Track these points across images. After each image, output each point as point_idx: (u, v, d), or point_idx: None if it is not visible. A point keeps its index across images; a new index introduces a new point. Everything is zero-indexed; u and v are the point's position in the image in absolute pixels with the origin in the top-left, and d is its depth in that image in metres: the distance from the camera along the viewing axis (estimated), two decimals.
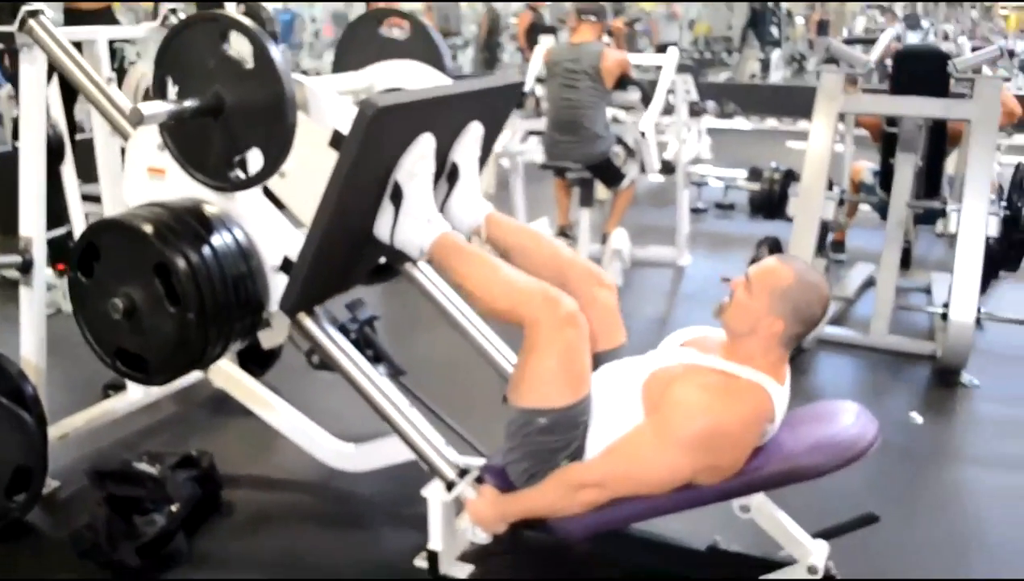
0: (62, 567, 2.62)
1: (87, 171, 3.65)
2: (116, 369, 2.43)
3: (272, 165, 2.27)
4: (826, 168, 4.29)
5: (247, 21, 2.21)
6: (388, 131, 2.26)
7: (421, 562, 2.55)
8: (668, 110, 6.34)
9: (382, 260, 2.83)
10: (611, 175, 5.38)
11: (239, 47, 2.21)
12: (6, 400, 2.72)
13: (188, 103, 2.23)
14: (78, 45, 2.95)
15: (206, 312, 2.28)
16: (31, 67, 2.83)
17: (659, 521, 2.34)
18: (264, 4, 4.61)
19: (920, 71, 4.39)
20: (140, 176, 2.52)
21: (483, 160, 2.69)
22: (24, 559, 2.70)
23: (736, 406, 2.12)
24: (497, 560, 2.60)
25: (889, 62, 4.67)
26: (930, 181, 4.75)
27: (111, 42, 3.35)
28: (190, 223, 2.32)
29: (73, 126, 4.50)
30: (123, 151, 3.36)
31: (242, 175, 2.32)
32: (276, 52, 2.19)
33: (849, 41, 13.79)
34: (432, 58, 2.88)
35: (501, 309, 2.27)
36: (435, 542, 2.50)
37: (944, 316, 3.94)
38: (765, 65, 15.26)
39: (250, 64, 2.19)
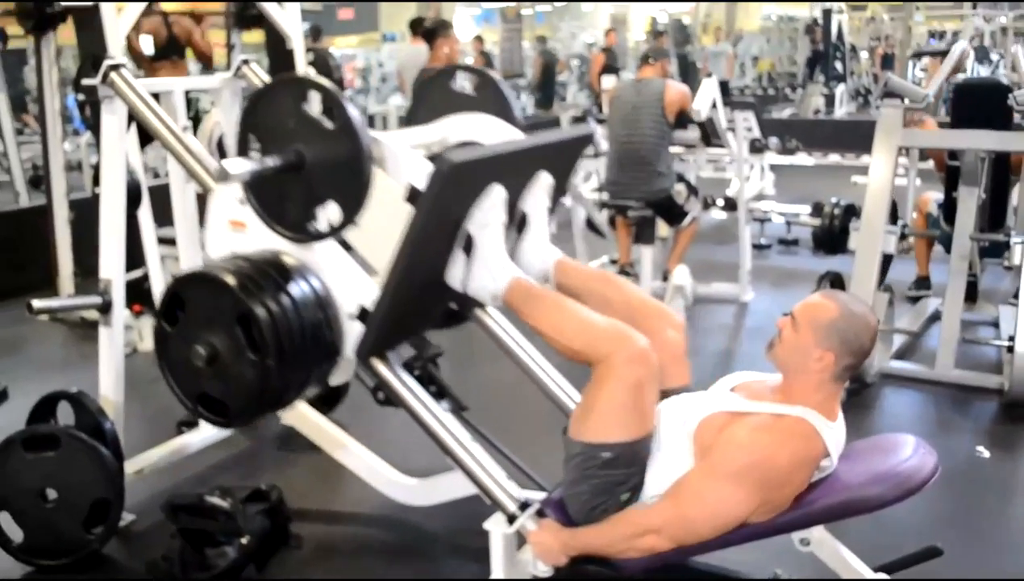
0: None
1: (161, 215, 3.79)
2: (198, 414, 2.51)
3: (349, 218, 2.35)
4: (887, 202, 4.27)
5: (327, 83, 2.31)
6: (461, 185, 2.34)
7: None
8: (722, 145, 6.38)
9: (452, 306, 2.90)
10: (673, 213, 5.42)
11: (319, 107, 2.30)
12: (86, 436, 2.83)
13: (270, 161, 2.32)
14: (156, 96, 3.09)
15: (285, 359, 2.36)
16: (112, 117, 2.97)
17: (719, 554, 2.35)
18: (332, 51, 4.76)
19: (980, 103, 4.38)
20: (222, 228, 2.63)
21: (552, 209, 2.75)
22: None
23: (782, 440, 2.14)
24: None
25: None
26: (994, 213, 4.71)
27: (187, 92, 3.49)
28: (270, 274, 2.41)
29: None
30: (198, 196, 3.52)
31: (320, 228, 2.40)
32: (353, 111, 2.28)
33: (918, 54, 13.57)
34: (501, 110, 2.95)
35: (575, 348, 2.30)
36: (497, 574, 2.53)
37: (1010, 349, 3.89)
38: (830, 100, 15.16)
39: (330, 124, 2.29)
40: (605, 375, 2.23)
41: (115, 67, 2.90)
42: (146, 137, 3.90)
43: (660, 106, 5.22)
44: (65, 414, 2.99)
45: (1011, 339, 3.89)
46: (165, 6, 5.97)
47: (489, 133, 2.92)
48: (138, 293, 4.61)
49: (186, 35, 6.07)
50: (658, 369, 2.27)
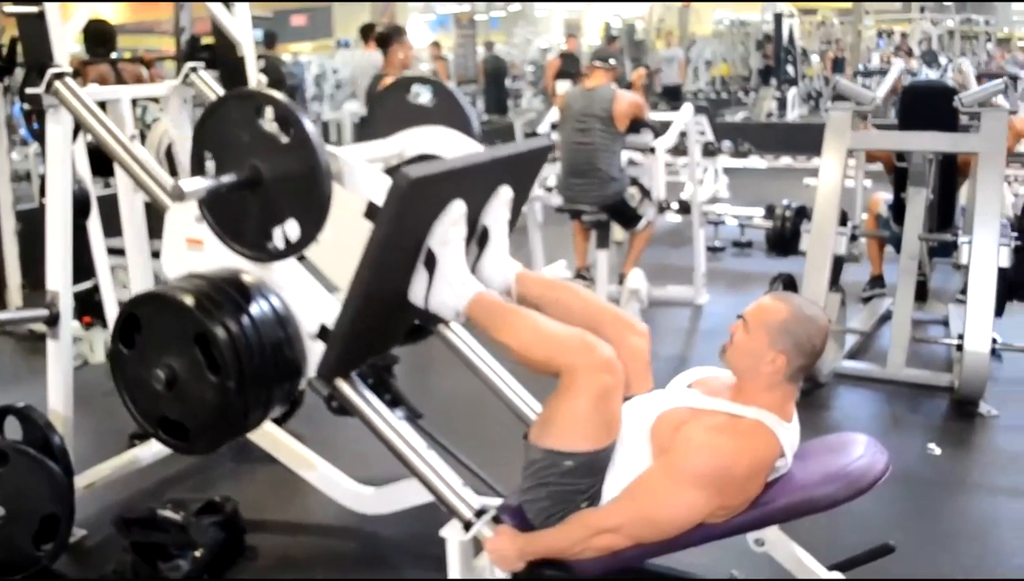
0: None
1: (111, 225, 3.74)
2: (159, 438, 2.47)
3: (309, 235, 2.31)
4: (837, 203, 4.33)
5: (281, 97, 2.27)
6: (421, 200, 2.32)
7: None
8: (683, 151, 6.42)
9: (415, 321, 2.88)
10: (627, 217, 5.45)
11: (274, 122, 2.26)
12: (34, 451, 2.79)
13: (226, 178, 2.28)
14: (102, 105, 3.04)
15: (245, 380, 2.32)
16: (57, 127, 2.92)
17: (676, 556, 2.36)
18: (284, 58, 4.71)
19: (927, 106, 4.45)
20: (178, 247, 2.58)
21: (512, 222, 2.73)
22: None
23: (742, 445, 2.16)
24: None
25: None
26: (942, 213, 4.79)
27: (134, 100, 3.45)
28: (229, 293, 2.37)
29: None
30: (146, 206, 3.47)
31: (279, 245, 2.36)
32: (310, 125, 2.24)
33: (865, 73, 13.84)
34: (460, 123, 2.92)
35: (540, 359, 2.29)
36: None
37: (960, 347, 3.95)
38: (782, 104, 15.34)
39: (285, 138, 2.25)
40: (570, 384, 2.23)
41: (59, 75, 2.85)
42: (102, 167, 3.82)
43: (609, 115, 5.25)
44: (13, 429, 2.93)
45: (960, 338, 3.95)
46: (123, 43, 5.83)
47: (448, 146, 2.89)
48: (88, 305, 4.56)
49: (136, 82, 5.92)
50: (623, 378, 2.28)
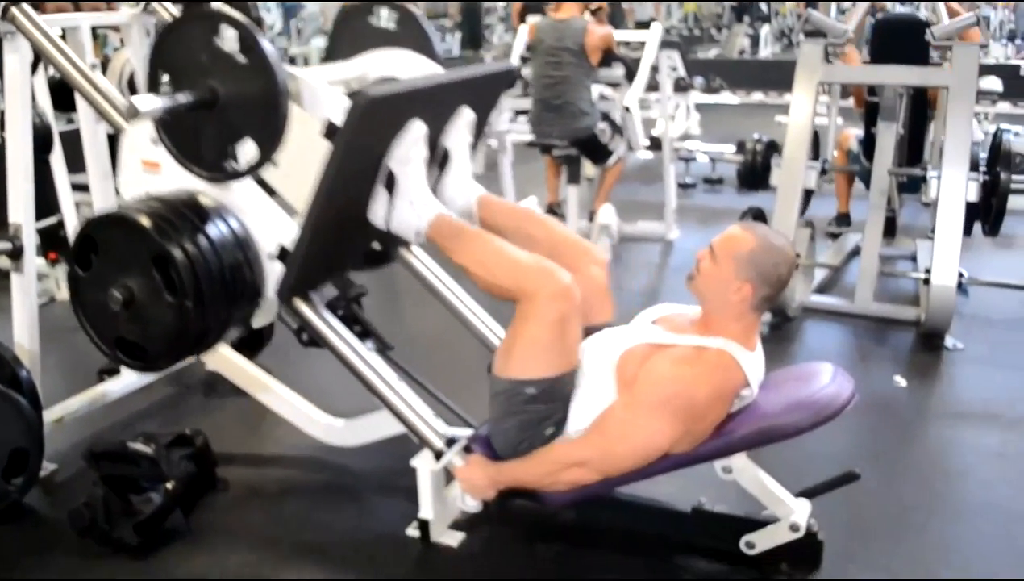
0: (61, 546, 2.66)
1: (76, 161, 3.68)
2: (116, 358, 2.47)
3: (266, 155, 2.30)
4: (808, 138, 4.32)
5: (238, 15, 2.24)
6: (380, 120, 2.30)
7: (413, 531, 2.62)
8: (655, 86, 6.37)
9: (376, 246, 2.87)
10: (598, 152, 5.42)
11: (231, 41, 2.23)
12: (0, 385, 2.76)
13: (182, 97, 2.25)
14: (62, 34, 2.97)
15: (204, 301, 2.32)
16: (14, 56, 2.85)
17: (644, 485, 2.39)
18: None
19: (899, 40, 4.44)
20: (135, 170, 2.55)
21: (474, 144, 2.73)
22: (24, 539, 2.74)
23: (704, 373, 2.18)
24: (487, 528, 2.66)
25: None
26: (912, 149, 4.80)
27: (93, 29, 3.37)
28: (186, 215, 2.36)
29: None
30: (110, 138, 3.41)
31: (236, 166, 2.34)
32: (268, 45, 2.21)
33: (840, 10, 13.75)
34: (422, 46, 2.90)
35: (499, 283, 2.31)
36: (426, 511, 2.56)
37: (927, 281, 3.98)
38: (755, 41, 15.26)
39: (242, 58, 2.22)
40: (528, 311, 2.24)
41: (15, 1, 2.77)
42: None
43: (580, 48, 5.18)
44: None
45: (927, 272, 3.98)
46: None
47: (409, 69, 2.87)
48: (54, 240, 4.50)
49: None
50: (581, 305, 2.29)
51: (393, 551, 2.61)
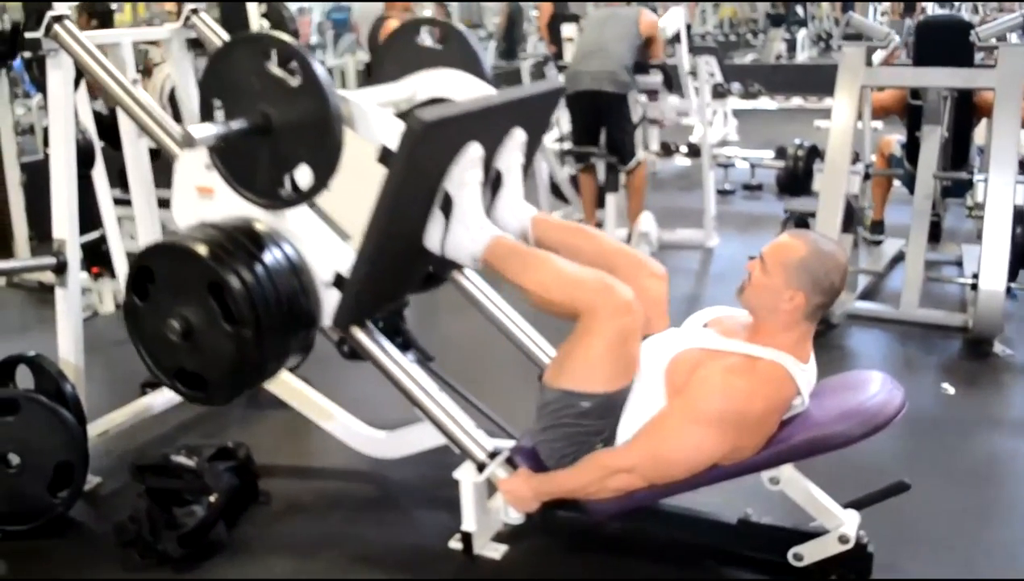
0: (106, 559, 2.67)
1: (116, 177, 3.71)
2: (177, 390, 2.47)
3: (321, 181, 2.28)
4: (850, 142, 4.27)
5: (290, 39, 2.23)
6: (435, 144, 2.28)
7: (456, 544, 2.60)
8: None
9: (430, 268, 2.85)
10: (624, 146, 5.36)
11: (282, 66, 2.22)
12: (46, 399, 2.78)
13: (236, 124, 2.25)
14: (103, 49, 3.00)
15: (262, 329, 2.30)
16: (58, 72, 2.88)
17: (690, 495, 2.36)
18: (287, 4, 4.64)
19: (943, 41, 4.36)
20: (189, 195, 2.55)
21: (526, 165, 2.70)
22: (69, 552, 2.76)
23: (758, 387, 2.14)
24: (530, 540, 2.64)
25: None
26: (957, 152, 4.71)
27: (135, 44, 3.40)
28: (242, 242, 2.35)
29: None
30: (151, 153, 3.44)
31: (290, 192, 2.33)
32: (320, 68, 2.20)
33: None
34: (470, 65, 2.87)
35: (560, 301, 2.28)
36: (468, 523, 2.54)
37: (974, 286, 3.91)
38: (791, 45, 15.12)
39: (295, 82, 2.21)
40: (590, 325, 2.21)
41: (58, 18, 2.79)
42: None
43: (634, 23, 5.22)
44: (25, 379, 2.92)
45: (975, 277, 3.91)
46: None
47: (459, 89, 2.84)
48: (96, 255, 4.54)
49: None
50: (643, 320, 2.26)
51: (435, 564, 2.59)
